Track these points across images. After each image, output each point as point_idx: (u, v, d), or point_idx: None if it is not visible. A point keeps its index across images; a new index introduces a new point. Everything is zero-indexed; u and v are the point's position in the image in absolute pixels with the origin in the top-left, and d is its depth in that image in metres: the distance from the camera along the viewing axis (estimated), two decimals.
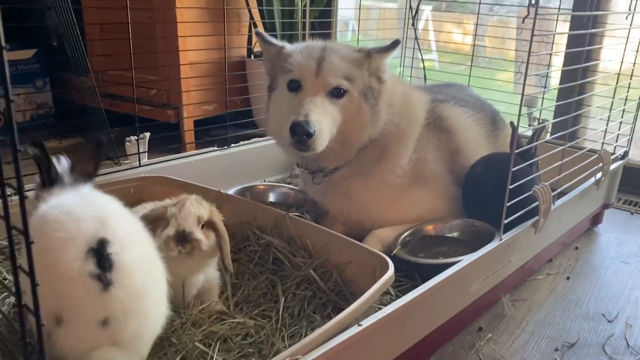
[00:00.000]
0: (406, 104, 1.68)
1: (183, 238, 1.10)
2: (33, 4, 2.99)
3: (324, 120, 1.46)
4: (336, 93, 1.51)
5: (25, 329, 0.63)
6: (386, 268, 1.18)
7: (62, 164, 1.08)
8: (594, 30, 2.19)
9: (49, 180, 1.05)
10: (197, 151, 2.12)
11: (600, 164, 1.91)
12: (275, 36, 1.68)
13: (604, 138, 2.00)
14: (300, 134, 1.41)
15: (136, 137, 1.93)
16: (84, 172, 1.10)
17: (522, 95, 1.37)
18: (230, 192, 1.77)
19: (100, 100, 2.50)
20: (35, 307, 0.58)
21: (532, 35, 1.29)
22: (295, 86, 1.53)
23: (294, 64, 1.53)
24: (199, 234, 1.12)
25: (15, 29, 2.67)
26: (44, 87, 3.09)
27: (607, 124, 1.99)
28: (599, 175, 1.92)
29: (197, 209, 1.13)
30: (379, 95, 1.59)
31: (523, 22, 1.39)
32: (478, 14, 2.49)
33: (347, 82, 1.52)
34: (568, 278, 1.77)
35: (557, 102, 2.32)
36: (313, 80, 1.51)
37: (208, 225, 1.15)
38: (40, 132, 2.92)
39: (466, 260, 1.32)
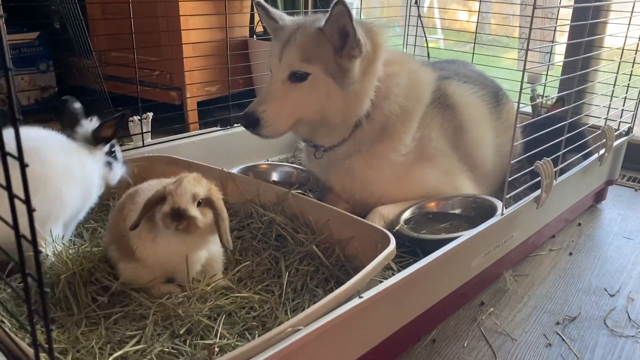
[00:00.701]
0: (412, 84, 1.64)
1: (178, 215, 1.11)
2: None
3: (273, 108, 1.49)
4: (298, 77, 1.50)
5: (29, 292, 0.64)
6: (388, 242, 1.19)
7: None
8: (598, 3, 2.16)
9: None
10: (200, 131, 2.12)
11: (604, 140, 1.91)
12: None
13: (607, 114, 1.99)
14: (244, 125, 1.51)
15: (139, 117, 1.93)
16: None
17: (524, 70, 1.36)
18: (234, 171, 1.77)
19: (104, 82, 2.50)
20: (37, 267, 0.59)
21: (534, 8, 1.28)
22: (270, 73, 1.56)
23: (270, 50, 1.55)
24: (194, 211, 1.12)
25: (17, 12, 2.67)
26: (47, 70, 3.09)
27: (610, 100, 1.98)
28: (602, 151, 1.91)
29: (193, 186, 1.13)
30: (353, 73, 1.49)
31: None
32: None
33: (307, 64, 1.48)
34: (570, 254, 1.77)
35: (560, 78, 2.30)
36: (277, 66, 1.52)
37: (206, 203, 1.16)
38: (45, 114, 2.93)
39: (467, 235, 1.33)
